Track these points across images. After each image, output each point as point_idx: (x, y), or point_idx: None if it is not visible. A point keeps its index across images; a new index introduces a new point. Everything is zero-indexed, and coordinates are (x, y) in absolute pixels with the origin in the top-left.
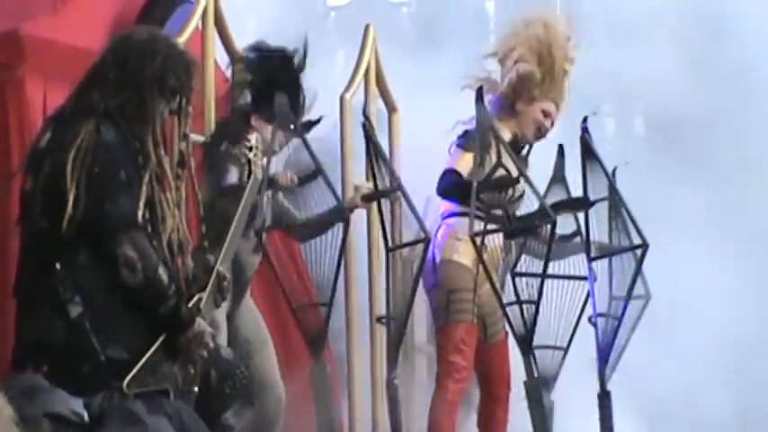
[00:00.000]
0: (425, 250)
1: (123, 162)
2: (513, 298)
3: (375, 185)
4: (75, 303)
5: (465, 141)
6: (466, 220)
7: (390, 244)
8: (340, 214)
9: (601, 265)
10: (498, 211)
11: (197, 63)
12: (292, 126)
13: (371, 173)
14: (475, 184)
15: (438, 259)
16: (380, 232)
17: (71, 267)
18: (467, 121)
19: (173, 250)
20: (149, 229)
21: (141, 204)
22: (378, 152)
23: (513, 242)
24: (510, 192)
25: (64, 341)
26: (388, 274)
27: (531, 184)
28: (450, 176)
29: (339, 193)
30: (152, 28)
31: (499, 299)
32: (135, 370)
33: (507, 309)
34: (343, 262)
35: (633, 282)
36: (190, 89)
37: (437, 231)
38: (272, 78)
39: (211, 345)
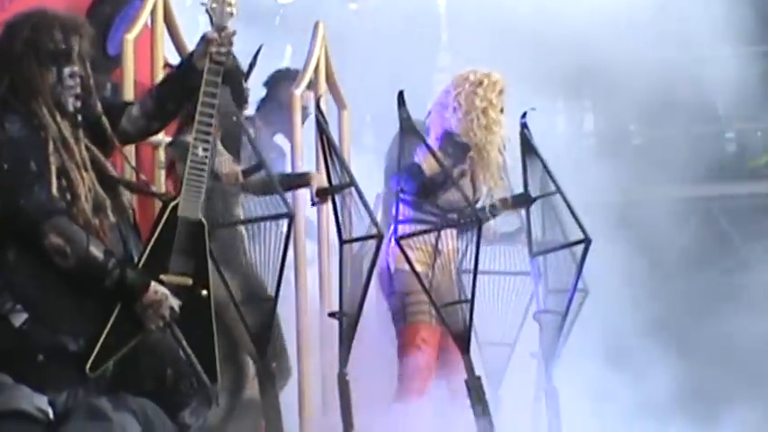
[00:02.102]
0: (378, 247)
1: (31, 152)
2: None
3: (329, 180)
4: (17, 311)
5: (442, 143)
6: (417, 226)
7: (345, 237)
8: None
9: (541, 261)
10: (453, 214)
11: (78, 22)
12: (235, 118)
13: (325, 167)
14: (397, 197)
15: (392, 269)
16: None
17: (3, 269)
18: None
19: (92, 211)
20: (68, 196)
21: (54, 188)
22: (332, 146)
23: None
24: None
25: (17, 345)
26: (342, 267)
27: (458, 189)
28: (414, 171)
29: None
30: (39, 8)
31: (432, 301)
32: (96, 351)
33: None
34: (290, 258)
35: (578, 277)
36: (71, 48)
37: (388, 241)
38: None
39: (168, 315)
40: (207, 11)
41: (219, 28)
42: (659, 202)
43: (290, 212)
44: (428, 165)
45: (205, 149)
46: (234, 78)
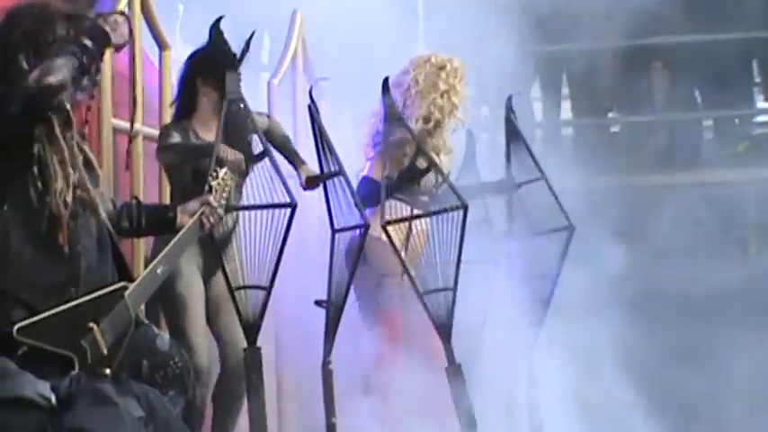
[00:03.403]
0: (363, 237)
1: None
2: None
3: (321, 168)
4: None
5: (380, 146)
6: (393, 202)
7: (336, 226)
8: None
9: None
10: (424, 197)
11: (82, 14)
12: (242, 105)
13: (318, 156)
14: (383, 183)
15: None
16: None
17: None
18: (377, 113)
19: (67, 209)
20: (39, 185)
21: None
22: (323, 136)
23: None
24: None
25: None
26: (332, 256)
27: (441, 174)
28: (366, 187)
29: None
30: None
31: (415, 287)
32: (37, 318)
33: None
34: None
35: (560, 264)
36: (40, 32)
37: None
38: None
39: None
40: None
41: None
42: (635, 189)
43: (293, 202)
44: (379, 167)
45: None
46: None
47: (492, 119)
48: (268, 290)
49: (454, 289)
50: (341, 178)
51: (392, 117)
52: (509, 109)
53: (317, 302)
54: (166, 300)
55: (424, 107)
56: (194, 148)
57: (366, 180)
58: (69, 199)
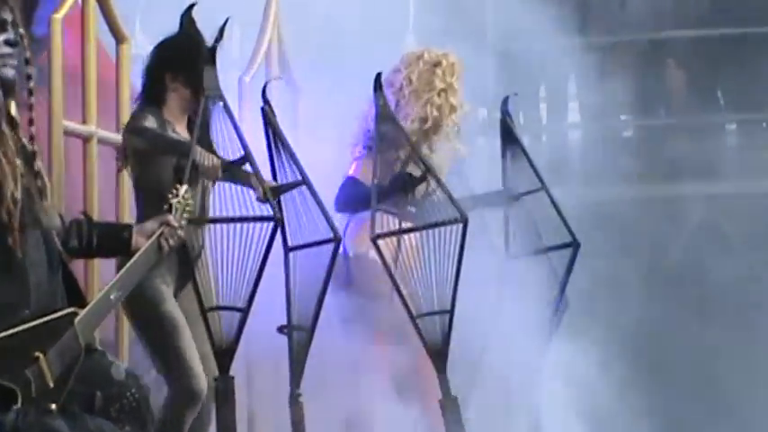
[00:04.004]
0: (335, 252)
1: None
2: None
3: (273, 175)
4: None
5: (369, 144)
6: (380, 215)
7: (291, 242)
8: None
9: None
10: (412, 208)
11: None
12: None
13: (270, 163)
14: (374, 189)
15: (351, 253)
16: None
17: None
18: (367, 112)
19: (17, 207)
20: None
21: None
22: (280, 140)
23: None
24: (422, 190)
25: None
26: (288, 276)
27: (438, 181)
28: (351, 187)
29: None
30: None
31: (408, 310)
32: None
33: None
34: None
35: (565, 283)
36: (4, 18)
37: (346, 227)
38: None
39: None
40: None
41: None
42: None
43: (276, 216)
44: (368, 170)
45: None
46: (197, 64)
47: (490, 122)
48: (245, 312)
49: (451, 312)
50: (302, 188)
51: (384, 117)
52: (505, 111)
53: (281, 329)
54: (154, 324)
55: (419, 107)
56: (174, 141)
57: (351, 181)
58: (19, 195)
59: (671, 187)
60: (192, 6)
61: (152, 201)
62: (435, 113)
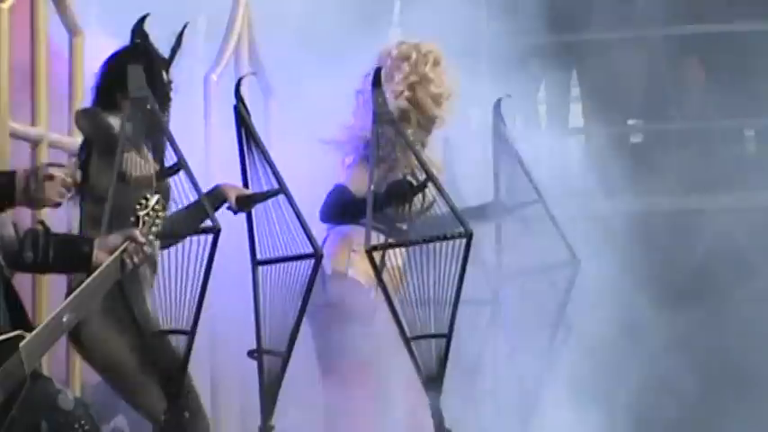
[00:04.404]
0: (315, 269)
1: None
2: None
3: (245, 182)
4: None
5: (365, 150)
6: (363, 229)
7: (260, 256)
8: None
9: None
10: (403, 225)
11: None
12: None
13: (242, 169)
14: (370, 196)
15: (328, 271)
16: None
17: None
18: (358, 112)
19: None
20: None
21: None
22: (257, 143)
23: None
24: (418, 201)
25: None
26: (257, 294)
27: (440, 190)
28: (338, 195)
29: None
30: None
31: (402, 331)
32: None
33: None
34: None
35: (565, 304)
36: None
37: (325, 240)
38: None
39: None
40: None
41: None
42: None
43: (216, 226)
44: (361, 180)
45: None
46: (154, 71)
47: (483, 125)
48: (191, 335)
49: (449, 335)
50: (279, 197)
51: (382, 118)
52: (497, 115)
53: (250, 353)
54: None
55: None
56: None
57: (340, 189)
58: None
59: (683, 200)
60: (144, 18)
61: (101, 213)
62: (405, 108)
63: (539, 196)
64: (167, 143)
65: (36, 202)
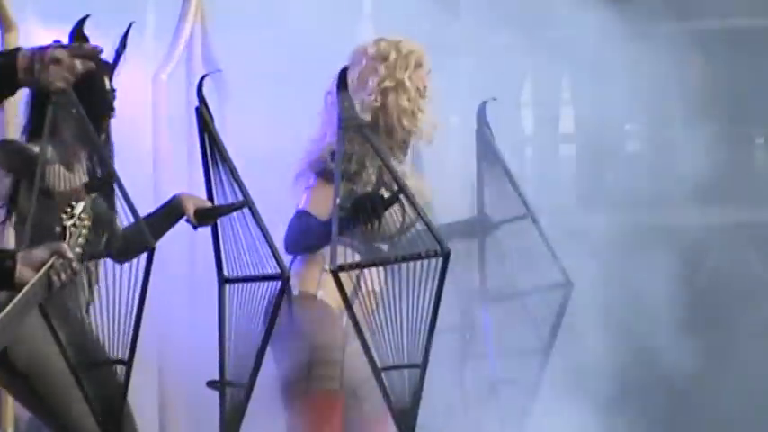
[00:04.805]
0: (282, 290)
1: None
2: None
3: (209, 195)
4: None
5: (325, 167)
6: (340, 248)
7: (227, 274)
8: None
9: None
10: (383, 246)
11: None
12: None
13: (206, 179)
14: (335, 212)
15: (296, 292)
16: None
17: None
18: (326, 122)
19: None
20: None
21: None
22: (220, 151)
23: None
24: (398, 218)
25: None
26: (222, 316)
27: (413, 203)
28: (300, 223)
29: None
30: None
31: (372, 361)
32: None
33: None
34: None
35: (556, 330)
36: None
37: (293, 259)
38: None
39: None
40: None
41: None
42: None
43: (148, 243)
44: (325, 202)
45: None
46: (95, 78)
47: (465, 131)
48: (128, 364)
49: (423, 366)
50: (245, 211)
51: (349, 123)
52: (482, 120)
53: (210, 384)
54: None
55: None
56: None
57: (301, 214)
58: None
59: (686, 213)
60: (84, 19)
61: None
62: (368, 116)
63: (527, 210)
64: (112, 150)
65: (39, 86)
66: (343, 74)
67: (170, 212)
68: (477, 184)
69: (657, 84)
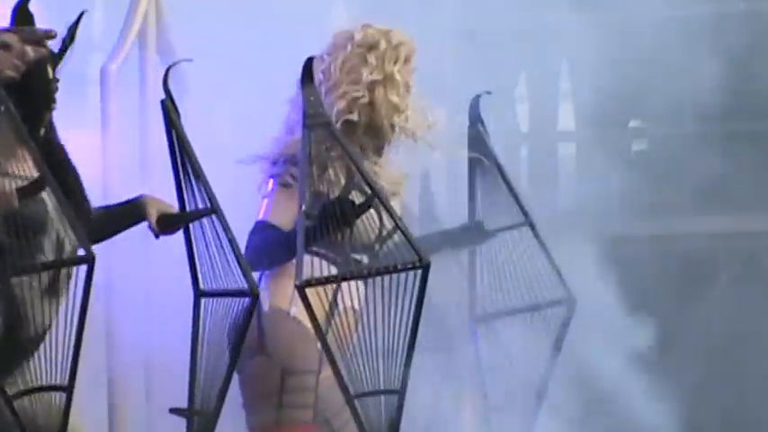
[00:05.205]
0: (250, 309)
1: None
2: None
3: (180, 201)
4: None
5: (285, 170)
6: (307, 258)
7: (203, 286)
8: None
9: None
10: (361, 257)
11: None
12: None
13: (177, 181)
14: (301, 220)
15: (265, 307)
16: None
17: None
18: (290, 120)
19: None
20: None
21: None
22: (187, 151)
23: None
24: (375, 226)
25: None
26: (197, 333)
27: (387, 209)
28: (261, 236)
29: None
30: None
31: (344, 388)
32: None
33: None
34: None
35: (558, 351)
36: None
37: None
38: None
39: None
40: None
41: None
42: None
43: (89, 254)
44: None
45: None
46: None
47: (455, 129)
48: (68, 391)
49: (402, 391)
50: (213, 217)
51: (315, 120)
52: (475, 116)
53: (175, 411)
54: None
55: (334, 103)
56: None
57: (261, 226)
58: None
59: (696, 221)
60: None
61: None
62: (363, 118)
63: (525, 217)
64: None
65: None
66: (308, 65)
67: (130, 212)
68: (468, 186)
69: None
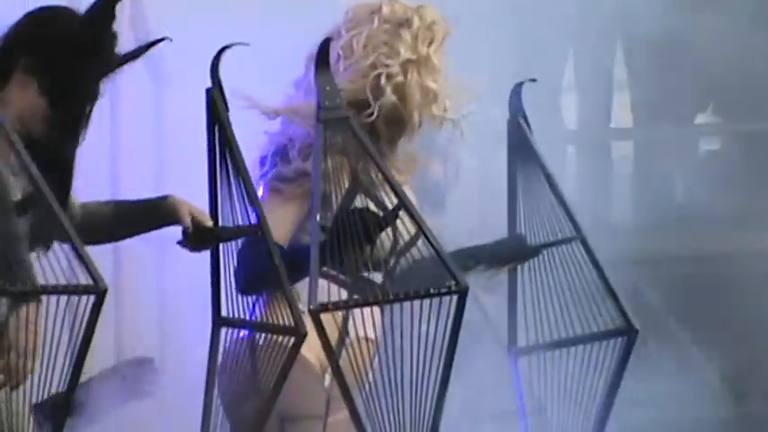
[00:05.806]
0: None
1: None
2: None
3: (214, 214)
4: None
5: (279, 172)
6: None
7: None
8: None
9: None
10: (376, 276)
11: None
12: None
13: (211, 189)
14: (315, 232)
15: (258, 339)
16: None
17: None
18: (278, 130)
19: None
20: None
21: None
22: (231, 151)
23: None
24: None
25: None
26: (213, 364)
27: (419, 223)
28: (252, 255)
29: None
30: None
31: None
32: None
33: None
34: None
35: (616, 386)
36: None
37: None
38: None
39: None
40: None
41: None
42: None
43: (101, 287)
44: (284, 222)
45: None
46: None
47: (489, 125)
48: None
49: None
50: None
51: (330, 115)
52: (516, 107)
53: None
54: None
55: (355, 85)
56: None
57: (254, 243)
58: None
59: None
60: None
61: None
62: (388, 100)
63: (577, 232)
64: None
65: None
66: (324, 47)
67: (153, 214)
68: (508, 193)
69: None
